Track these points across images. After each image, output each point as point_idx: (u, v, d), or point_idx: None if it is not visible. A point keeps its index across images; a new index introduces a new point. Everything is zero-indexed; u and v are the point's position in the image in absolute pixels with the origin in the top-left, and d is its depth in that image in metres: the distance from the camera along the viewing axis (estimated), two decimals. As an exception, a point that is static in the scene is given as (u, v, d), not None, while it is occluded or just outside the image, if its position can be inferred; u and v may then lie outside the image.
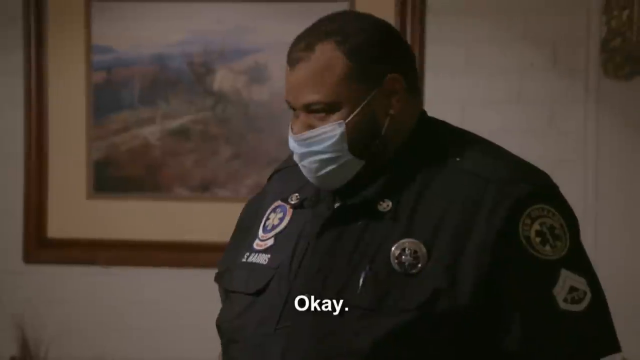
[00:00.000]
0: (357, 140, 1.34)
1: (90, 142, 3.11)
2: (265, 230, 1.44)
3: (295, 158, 1.38)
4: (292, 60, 1.33)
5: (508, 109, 2.93)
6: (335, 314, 1.31)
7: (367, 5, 2.94)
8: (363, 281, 1.31)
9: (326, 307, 1.32)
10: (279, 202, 1.45)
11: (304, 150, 1.35)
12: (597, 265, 3.15)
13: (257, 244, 1.43)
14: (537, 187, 1.33)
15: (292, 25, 3.09)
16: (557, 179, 2.95)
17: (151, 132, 3.11)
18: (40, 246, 3.12)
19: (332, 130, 1.33)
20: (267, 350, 1.34)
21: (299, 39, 1.35)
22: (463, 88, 2.93)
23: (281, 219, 1.43)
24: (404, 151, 1.36)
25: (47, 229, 3.12)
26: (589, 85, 2.91)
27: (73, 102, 3.11)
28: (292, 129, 1.36)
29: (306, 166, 1.36)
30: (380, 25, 1.37)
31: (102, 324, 3.10)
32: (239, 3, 3.04)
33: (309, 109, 1.33)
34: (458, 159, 1.35)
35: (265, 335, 1.34)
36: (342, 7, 2.97)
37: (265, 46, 3.03)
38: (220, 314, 1.45)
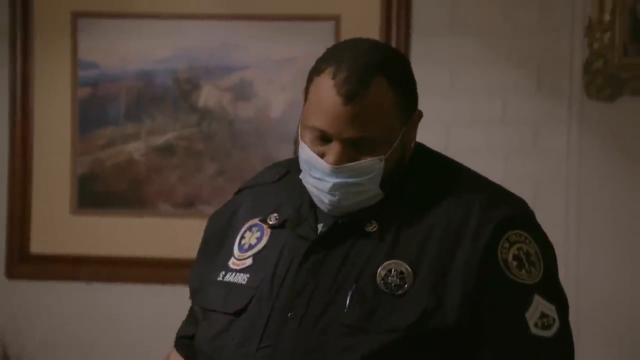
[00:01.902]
0: (388, 175, 1.35)
1: (75, 157, 3.10)
2: (241, 249, 1.44)
3: (318, 185, 1.36)
4: (348, 93, 1.31)
5: (492, 129, 2.94)
6: (320, 331, 1.32)
7: (352, 25, 2.96)
8: (350, 299, 1.31)
9: (311, 325, 1.32)
10: (255, 221, 1.44)
11: (339, 180, 1.34)
12: (579, 283, 3.18)
13: (234, 263, 1.43)
14: (515, 214, 1.36)
15: (277, 43, 3.11)
16: (540, 197, 3.00)
17: (136, 148, 3.11)
18: (23, 261, 3.10)
19: (372, 165, 1.33)
20: None
21: (346, 69, 1.32)
22: (448, 108, 2.95)
23: (258, 239, 1.43)
24: (391, 174, 1.38)
25: (30, 243, 3.11)
26: (572, 106, 2.93)
27: (58, 117, 3.10)
28: (322, 156, 1.34)
29: (335, 196, 1.35)
30: (401, 56, 1.40)
31: (84, 340, 3.08)
32: (224, 20, 3.05)
33: (353, 142, 1.33)
34: (444, 182, 1.37)
35: (247, 355, 1.35)
36: (328, 26, 2.99)
37: (251, 63, 3.04)
38: (198, 334, 1.44)
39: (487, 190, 1.38)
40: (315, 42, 2.95)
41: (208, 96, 3.08)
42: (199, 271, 1.49)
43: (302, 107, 1.39)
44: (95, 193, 3.12)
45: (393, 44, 2.95)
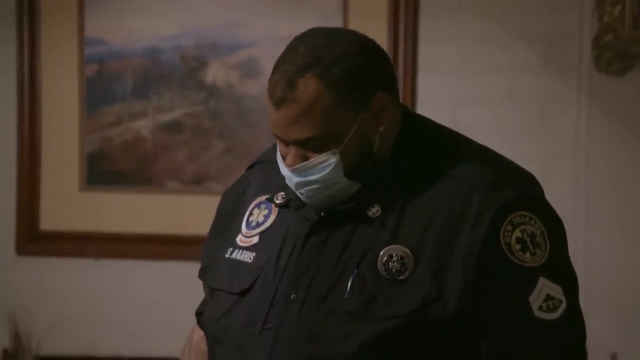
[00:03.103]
0: (351, 164, 1.34)
1: (83, 135, 3.11)
2: (249, 226, 1.44)
3: (290, 185, 1.37)
4: (276, 99, 1.32)
5: (500, 107, 2.93)
6: (321, 316, 1.32)
7: (360, 2, 2.95)
8: (351, 285, 1.31)
9: (313, 308, 1.32)
10: (263, 199, 1.44)
11: (299, 179, 1.35)
12: (588, 262, 3.18)
13: (241, 240, 1.43)
14: (519, 194, 1.33)
15: (284, 19, 3.10)
16: (548, 176, 2.99)
17: (144, 126, 3.11)
18: (33, 239, 3.12)
19: (326, 160, 1.33)
20: (253, 351, 1.34)
21: (278, 74, 1.32)
22: (455, 86, 2.94)
23: (266, 217, 1.43)
24: (392, 157, 1.37)
25: (39, 221, 3.12)
26: (581, 81, 2.91)
27: (66, 95, 3.11)
28: (283, 158, 1.36)
29: (303, 193, 1.36)
30: (356, 45, 1.35)
31: (92, 317, 3.10)
32: (232, -3, 3.04)
33: (301, 143, 1.33)
34: (445, 162, 1.35)
35: (251, 337, 1.35)
36: (335, 2, 2.97)
37: (258, 40, 3.03)
38: (205, 313, 1.45)
39: (491, 170, 1.35)
40: (321, 18, 2.94)
41: (215, 73, 3.07)
42: (210, 248, 1.49)
43: None
44: (103, 171, 3.12)
45: (401, 22, 2.93)
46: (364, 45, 1.36)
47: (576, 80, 2.92)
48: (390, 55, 2.94)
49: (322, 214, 1.37)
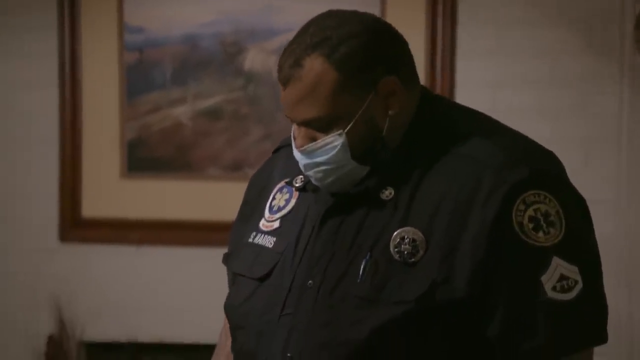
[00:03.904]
0: (359, 147, 1.33)
1: (123, 122, 3.13)
2: (271, 211, 1.43)
3: (301, 167, 1.37)
4: (283, 78, 1.32)
5: (541, 90, 2.90)
6: (335, 302, 1.31)
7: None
8: (363, 270, 1.30)
9: (327, 295, 1.31)
10: (284, 183, 1.44)
11: (308, 161, 1.34)
12: (631, 244, 3.12)
13: (264, 225, 1.43)
14: (535, 172, 1.29)
15: (322, 4, 3.08)
16: (591, 159, 2.95)
17: (183, 112, 3.12)
18: (75, 225, 3.15)
19: (333, 142, 1.32)
20: (272, 337, 1.34)
21: (287, 54, 1.32)
22: (495, 70, 2.90)
23: (287, 201, 1.42)
24: (405, 139, 1.35)
25: (81, 208, 3.16)
26: (624, 63, 2.87)
27: (106, 83, 3.13)
28: (294, 139, 1.35)
29: (312, 175, 1.36)
30: (366, 26, 1.34)
31: (134, 304, 3.13)
32: (270, -18, 3.03)
33: (308, 124, 1.33)
34: (457, 143, 1.33)
35: (270, 322, 1.35)
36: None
37: (296, 25, 2.97)
38: (227, 298, 1.45)
39: (505, 149, 1.31)
40: (359, 2, 2.92)
41: (254, 59, 3.07)
42: (235, 233, 1.49)
43: None
44: (143, 158, 3.15)
45: (439, 5, 2.90)
46: (375, 27, 1.34)
47: (618, 62, 2.88)
48: (429, 40, 2.93)
49: (336, 197, 1.36)
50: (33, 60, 3.12)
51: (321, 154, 1.33)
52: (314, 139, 1.33)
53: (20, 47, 3.11)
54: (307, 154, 1.34)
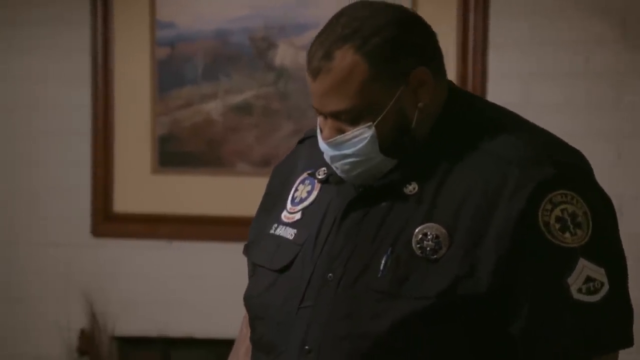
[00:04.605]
0: (388, 140, 1.32)
1: (155, 117, 3.14)
2: (293, 202, 1.43)
3: (326, 159, 1.35)
4: (313, 70, 1.31)
5: (574, 83, 2.86)
6: (355, 295, 1.30)
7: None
8: (384, 264, 1.29)
9: (348, 288, 1.31)
10: (306, 175, 1.43)
11: (335, 153, 1.33)
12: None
13: (285, 217, 1.42)
14: (562, 171, 1.28)
15: (353, -1, 3.08)
16: (623, 154, 2.89)
17: (213, 108, 3.13)
18: (107, 220, 3.17)
19: (362, 134, 1.31)
20: (290, 328, 1.34)
21: (317, 45, 1.31)
22: (527, 62, 2.87)
23: (309, 193, 1.41)
24: (432, 134, 1.34)
25: (113, 203, 3.17)
26: (660, 57, 2.83)
27: (138, 78, 3.14)
28: (321, 131, 1.34)
29: (338, 167, 1.34)
30: (396, 17, 1.32)
31: (165, 299, 3.14)
32: (300, -23, 3.03)
33: (336, 115, 1.31)
34: (484, 139, 1.31)
35: (289, 314, 1.34)
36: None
37: (326, 20, 3.01)
38: (247, 288, 1.45)
39: (532, 146, 1.30)
40: (391, -3, 2.91)
41: (284, 54, 3.07)
42: (257, 224, 1.49)
43: None
44: (174, 153, 3.16)
45: (471, -1, 2.88)
46: (406, 18, 1.33)
47: (654, 56, 2.83)
48: (461, 30, 2.90)
49: (360, 190, 1.34)
50: (66, 54, 3.14)
51: (349, 146, 1.32)
52: (341, 131, 1.32)
53: (54, 41, 3.14)
54: (334, 145, 1.33)
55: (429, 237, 1.28)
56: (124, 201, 3.17)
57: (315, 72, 1.31)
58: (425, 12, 2.93)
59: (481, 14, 2.87)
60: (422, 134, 1.34)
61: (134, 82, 3.14)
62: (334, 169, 1.36)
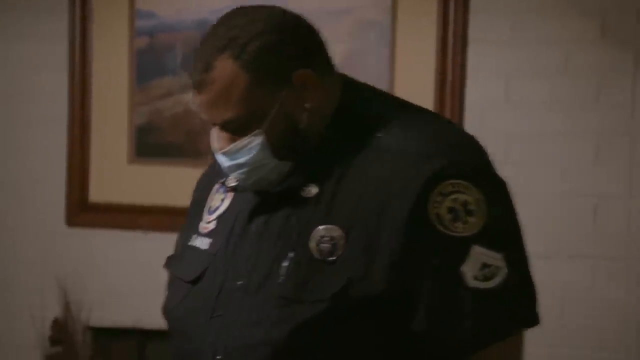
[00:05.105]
0: (280, 144, 1.33)
1: (132, 107, 3.12)
2: (209, 212, 1.44)
3: (224, 170, 1.36)
4: (196, 83, 1.32)
5: (554, 82, 2.87)
6: (260, 302, 1.30)
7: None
8: (285, 269, 1.29)
9: (253, 295, 1.31)
10: (220, 184, 1.44)
11: (230, 163, 1.34)
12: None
13: (202, 227, 1.43)
14: (452, 161, 1.28)
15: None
16: (603, 152, 2.91)
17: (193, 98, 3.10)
18: (83, 210, 3.15)
19: (252, 142, 1.32)
20: (203, 339, 1.34)
21: (197, 58, 1.32)
22: (508, 59, 2.87)
23: (222, 201, 1.42)
24: (327, 133, 1.34)
25: (88, 193, 3.15)
26: (639, 55, 2.83)
27: (116, 67, 3.12)
28: (214, 143, 1.36)
29: (236, 177, 1.35)
30: (275, 21, 1.33)
31: (141, 290, 3.12)
32: (282, -31, 3.01)
33: (225, 126, 1.33)
34: (377, 135, 1.31)
35: (201, 325, 1.34)
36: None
37: (308, 14, 2.98)
38: (164, 300, 1.45)
39: (424, 139, 1.31)
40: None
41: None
42: (181, 236, 1.49)
43: None
44: (152, 143, 3.13)
45: (453, -6, 2.87)
46: (285, 21, 1.34)
47: (633, 54, 2.84)
48: (441, 27, 2.90)
49: (260, 196, 1.35)
50: (43, 42, 3.11)
51: (242, 154, 1.32)
52: (233, 141, 1.33)
53: (31, 29, 3.11)
54: (228, 155, 1.33)
55: (326, 238, 1.29)
56: (100, 191, 3.15)
57: (198, 86, 1.32)
58: (405, 6, 2.94)
59: (461, 9, 2.86)
60: (316, 134, 1.34)
61: (111, 71, 3.12)
62: (238, 182, 1.36)
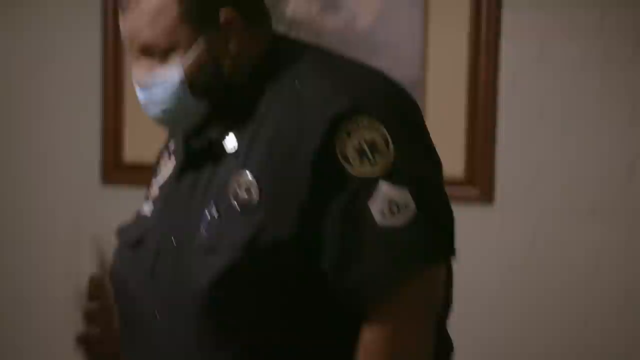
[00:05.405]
0: (198, 83, 1.32)
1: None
2: (155, 177, 1.47)
3: (145, 111, 1.36)
4: (122, 4, 1.32)
5: (590, 41, 2.83)
6: (187, 257, 1.31)
7: None
8: (207, 221, 1.30)
9: (183, 251, 1.32)
10: (165, 149, 1.47)
11: (147, 99, 1.34)
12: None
13: (149, 193, 1.46)
14: (358, 100, 1.28)
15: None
16: (638, 113, 2.86)
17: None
18: (118, 168, 3.18)
19: (171, 75, 1.31)
20: (144, 299, 1.36)
21: None
22: (542, 19, 2.84)
23: (165, 166, 1.45)
24: (249, 82, 1.34)
25: (124, 151, 3.18)
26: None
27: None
28: (135, 77, 1.35)
29: (153, 117, 1.35)
30: None
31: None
32: None
33: (146, 52, 1.32)
34: (295, 83, 1.31)
35: (141, 287, 1.36)
36: None
37: (340, -28, 2.98)
38: (111, 265, 1.48)
39: (332, 82, 1.30)
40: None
41: (295, 6, 3.04)
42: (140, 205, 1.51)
43: None
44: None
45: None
46: None
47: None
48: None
49: (186, 154, 1.36)
50: (76, 3, 3.12)
51: (160, 87, 1.31)
52: (152, 71, 1.32)
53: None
54: (143, 86, 1.33)
55: (242, 187, 1.29)
56: (135, 150, 3.17)
57: (124, 7, 1.32)
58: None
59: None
60: (239, 80, 1.33)
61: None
62: (152, 119, 1.36)
